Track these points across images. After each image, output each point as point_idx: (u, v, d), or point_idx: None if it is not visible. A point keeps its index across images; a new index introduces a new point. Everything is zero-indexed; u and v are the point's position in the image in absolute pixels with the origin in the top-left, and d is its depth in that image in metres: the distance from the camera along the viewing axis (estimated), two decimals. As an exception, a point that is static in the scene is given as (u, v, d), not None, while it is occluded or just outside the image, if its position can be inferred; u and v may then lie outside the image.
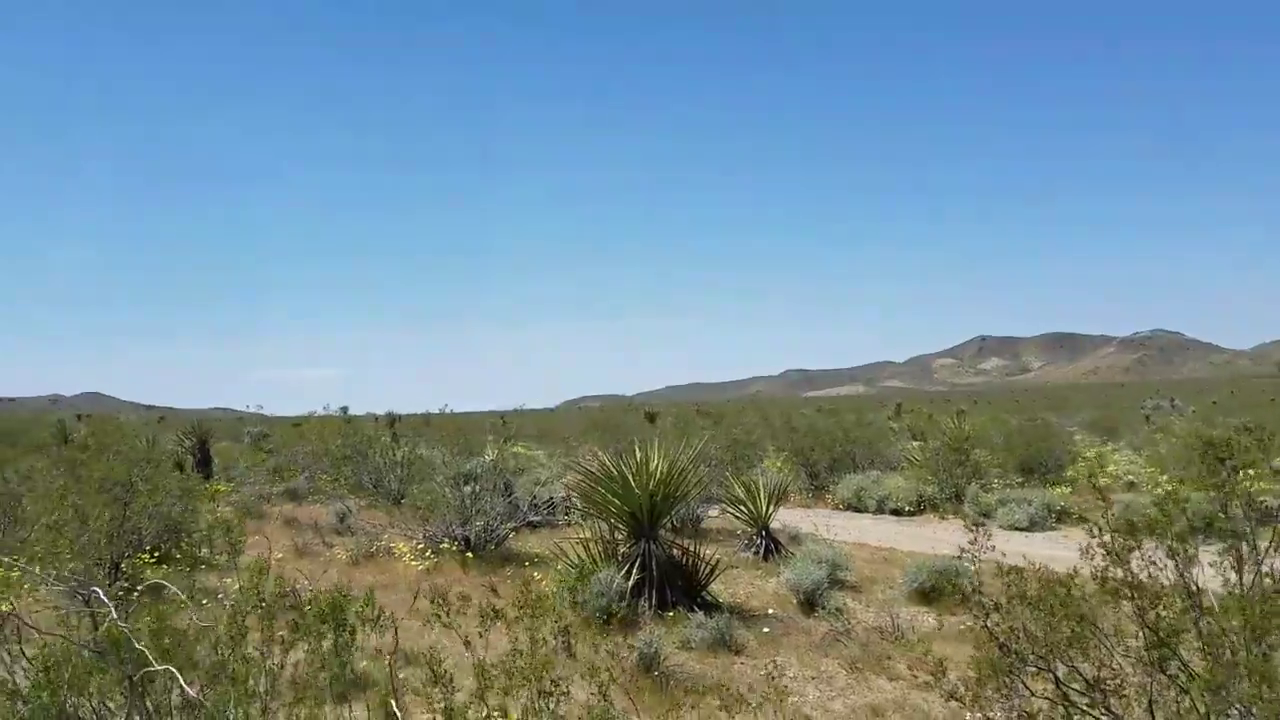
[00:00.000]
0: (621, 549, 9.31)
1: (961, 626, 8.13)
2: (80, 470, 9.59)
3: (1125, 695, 4.41)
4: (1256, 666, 3.70)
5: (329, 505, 15.77)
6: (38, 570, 5.23)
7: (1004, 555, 5.09)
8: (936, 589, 9.35)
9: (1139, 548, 4.43)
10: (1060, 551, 8.75)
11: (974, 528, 5.17)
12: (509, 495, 13.81)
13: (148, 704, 3.04)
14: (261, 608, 3.74)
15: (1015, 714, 4.59)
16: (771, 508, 12.16)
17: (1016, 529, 14.62)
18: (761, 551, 11.79)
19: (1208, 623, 4.18)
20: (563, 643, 6.36)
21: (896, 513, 17.08)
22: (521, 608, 3.56)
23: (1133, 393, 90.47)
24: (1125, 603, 4.41)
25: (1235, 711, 3.87)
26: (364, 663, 6.31)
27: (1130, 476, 19.40)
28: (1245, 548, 4.32)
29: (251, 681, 3.44)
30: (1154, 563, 4.41)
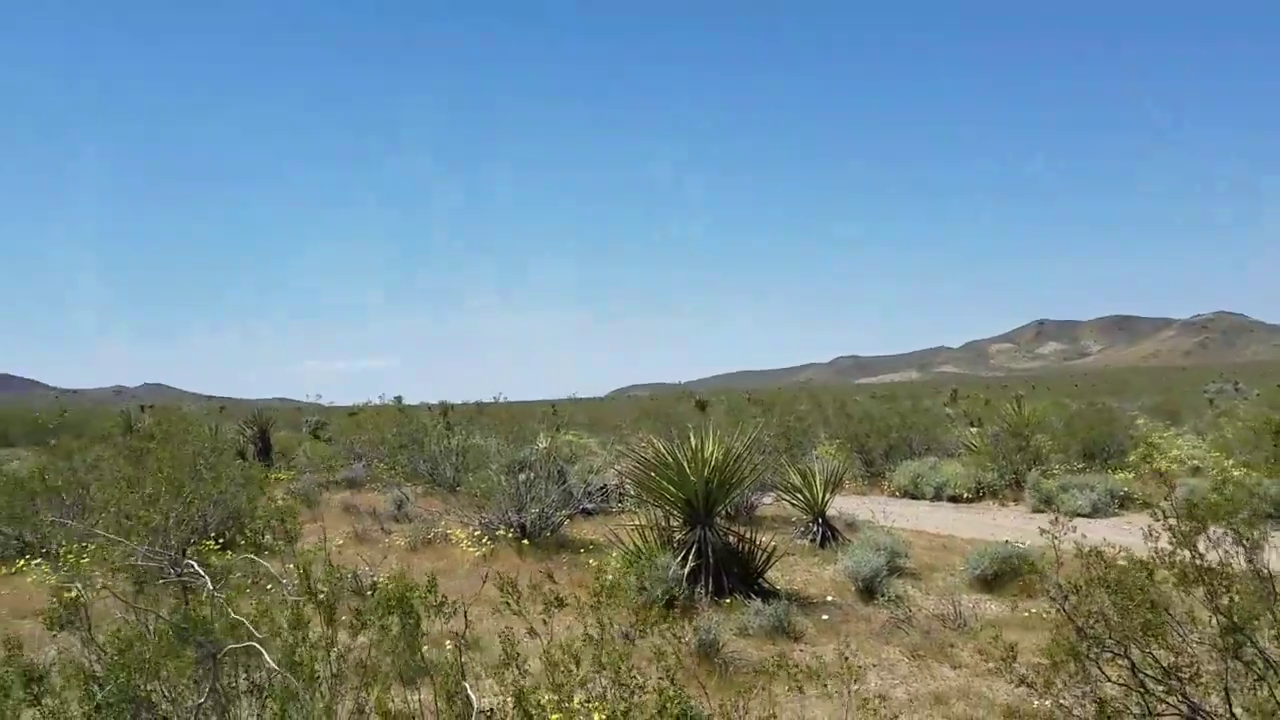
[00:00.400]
0: (677, 536, 9.28)
1: (1027, 613, 7.99)
2: (146, 459, 9.81)
3: (1201, 682, 4.28)
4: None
5: (386, 493, 15.97)
6: (112, 553, 5.34)
7: (1084, 537, 4.98)
8: (999, 576, 9.19)
9: (1205, 532, 4.31)
10: (1124, 537, 8.50)
11: (1052, 510, 5.06)
12: (562, 483, 13.86)
13: (219, 686, 3.08)
14: (322, 594, 3.77)
15: (1088, 700, 4.48)
16: (827, 495, 12.04)
17: (1079, 515, 14.29)
18: (818, 539, 11.68)
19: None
20: (623, 630, 6.35)
21: (955, 499, 16.84)
22: (595, 595, 3.54)
23: (1195, 376, 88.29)
24: (1196, 588, 4.29)
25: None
26: (428, 647, 6.36)
27: (1194, 461, 18.95)
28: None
29: (319, 665, 3.47)
30: (1222, 548, 4.29)
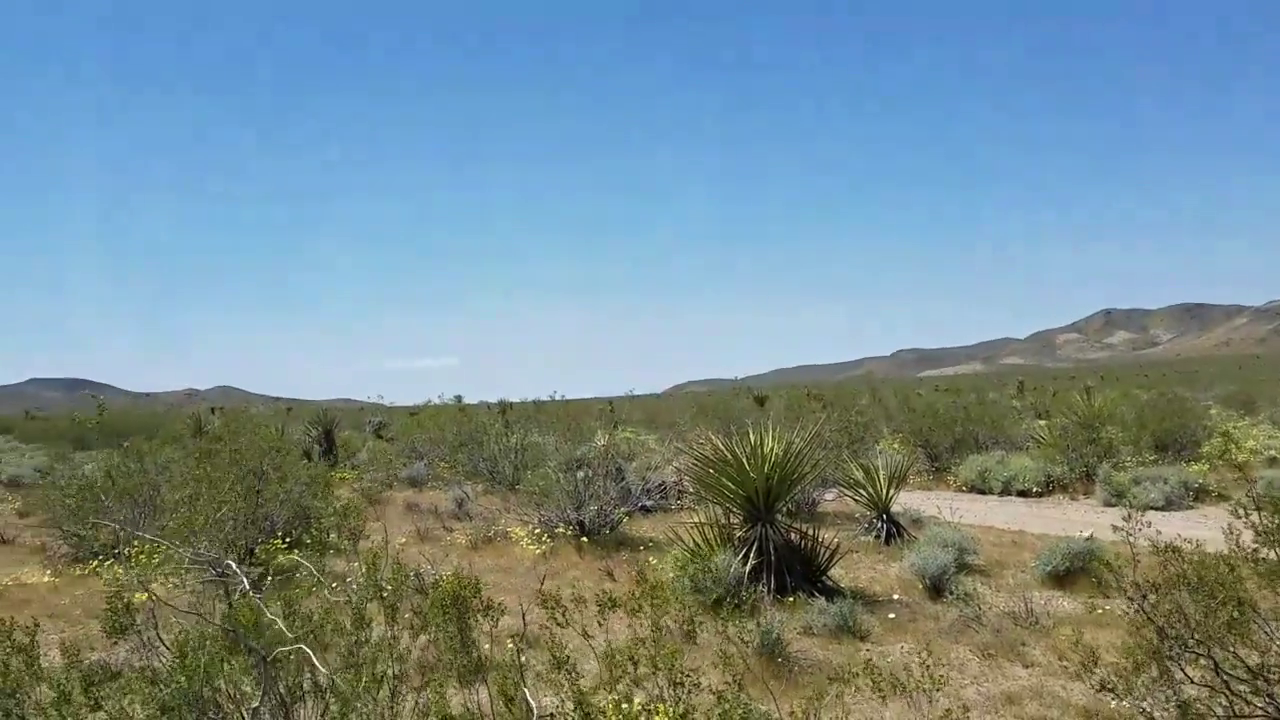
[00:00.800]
0: (737, 533, 9.18)
1: (1101, 611, 7.74)
2: (215, 460, 10.01)
3: (1290, 682, 4.10)
4: None
5: (447, 491, 16.12)
6: (175, 555, 5.43)
7: (1158, 532, 4.78)
8: (1071, 572, 8.92)
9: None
10: (1200, 531, 8.22)
11: (1124, 504, 4.89)
12: (620, 480, 13.84)
13: (280, 688, 3.08)
14: (384, 594, 3.77)
15: (1172, 703, 4.31)
16: (892, 490, 11.82)
17: (1152, 508, 13.89)
18: (882, 535, 11.47)
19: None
20: (684, 629, 6.27)
21: (1023, 494, 16.44)
22: (642, 596, 3.48)
23: (1269, 365, 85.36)
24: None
25: None
26: (487, 646, 6.38)
27: (1271, 452, 18.30)
28: None
29: (380, 665, 3.46)
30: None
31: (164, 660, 3.28)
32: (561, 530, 11.65)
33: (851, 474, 12.28)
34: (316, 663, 3.07)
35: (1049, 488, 16.55)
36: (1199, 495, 14.89)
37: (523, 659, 3.49)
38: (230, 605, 3.20)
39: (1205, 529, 9.77)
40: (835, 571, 9.21)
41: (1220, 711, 4.25)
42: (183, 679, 2.83)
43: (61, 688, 2.84)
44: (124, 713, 2.87)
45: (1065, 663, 6.23)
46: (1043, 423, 21.11)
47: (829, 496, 14.31)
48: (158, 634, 3.44)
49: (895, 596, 8.72)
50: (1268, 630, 4.30)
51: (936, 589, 8.65)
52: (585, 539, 11.47)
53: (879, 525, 11.64)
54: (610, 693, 2.90)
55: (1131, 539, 4.71)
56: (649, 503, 14.30)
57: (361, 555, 5.02)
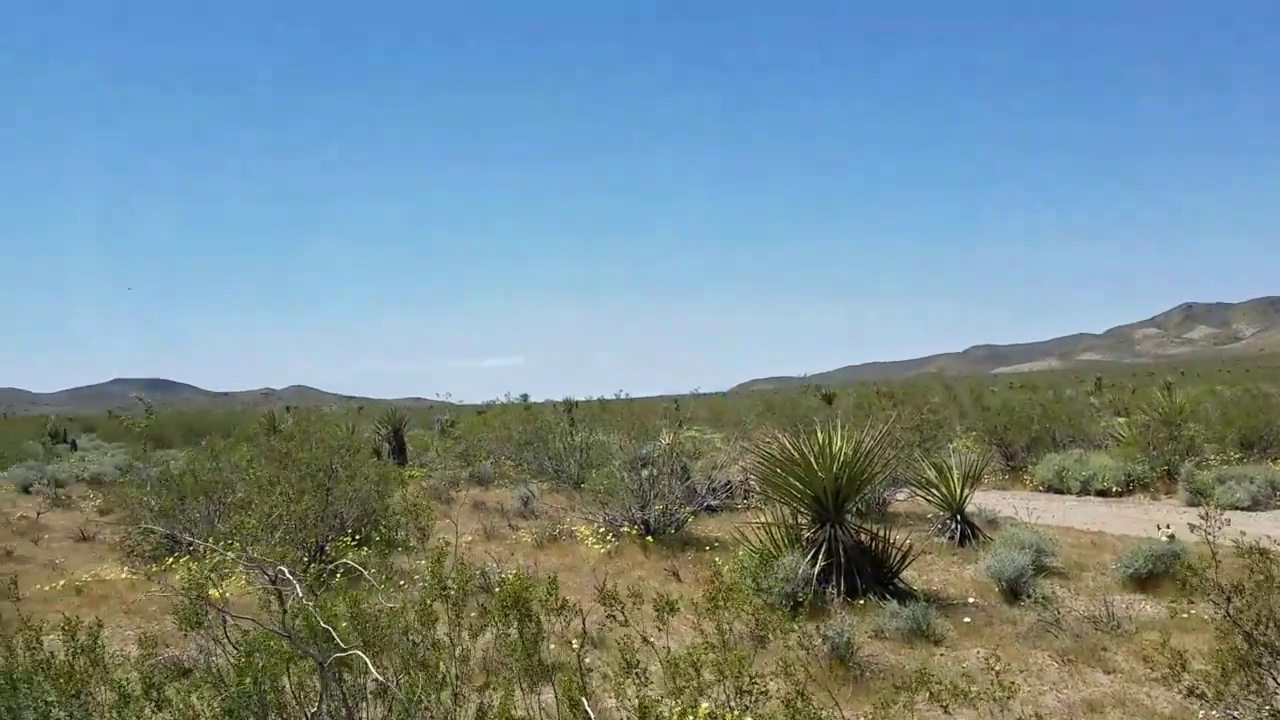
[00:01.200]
0: (805, 534, 9.01)
1: (1185, 615, 7.42)
2: (287, 459, 10.19)
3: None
4: None
5: (513, 490, 16.21)
6: (245, 555, 5.49)
7: (1242, 533, 4.54)
8: (1154, 575, 8.58)
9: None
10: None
11: (1206, 504, 4.66)
12: (686, 479, 13.75)
13: (342, 690, 3.08)
14: (448, 593, 3.75)
15: (1266, 713, 4.09)
16: (966, 490, 11.52)
17: (1237, 508, 13.35)
18: (956, 536, 11.18)
19: None
20: (755, 633, 6.16)
21: (1102, 493, 15.93)
22: (715, 598, 3.39)
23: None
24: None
25: None
26: (553, 646, 6.35)
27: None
28: None
29: (443, 667, 3.44)
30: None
31: (230, 659, 3.30)
32: (626, 529, 11.61)
33: (924, 473, 12.00)
34: (372, 668, 3.06)
35: (1129, 487, 16.03)
36: (1288, 495, 14.26)
37: (586, 660, 3.43)
38: (284, 610, 3.20)
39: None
40: (907, 574, 9.00)
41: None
42: (247, 680, 2.83)
43: (122, 689, 2.87)
44: (191, 711, 2.90)
45: (1150, 668, 5.97)
46: (1122, 420, 20.46)
47: (900, 496, 14.03)
48: (224, 633, 3.46)
49: (970, 600, 8.49)
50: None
51: (1014, 592, 8.39)
52: (650, 538, 11.41)
53: (953, 526, 11.35)
54: (675, 702, 2.82)
55: (1211, 539, 4.48)
56: (714, 502, 14.18)
57: (427, 553, 5.01)
